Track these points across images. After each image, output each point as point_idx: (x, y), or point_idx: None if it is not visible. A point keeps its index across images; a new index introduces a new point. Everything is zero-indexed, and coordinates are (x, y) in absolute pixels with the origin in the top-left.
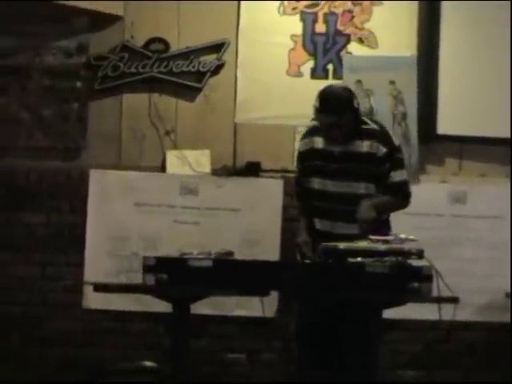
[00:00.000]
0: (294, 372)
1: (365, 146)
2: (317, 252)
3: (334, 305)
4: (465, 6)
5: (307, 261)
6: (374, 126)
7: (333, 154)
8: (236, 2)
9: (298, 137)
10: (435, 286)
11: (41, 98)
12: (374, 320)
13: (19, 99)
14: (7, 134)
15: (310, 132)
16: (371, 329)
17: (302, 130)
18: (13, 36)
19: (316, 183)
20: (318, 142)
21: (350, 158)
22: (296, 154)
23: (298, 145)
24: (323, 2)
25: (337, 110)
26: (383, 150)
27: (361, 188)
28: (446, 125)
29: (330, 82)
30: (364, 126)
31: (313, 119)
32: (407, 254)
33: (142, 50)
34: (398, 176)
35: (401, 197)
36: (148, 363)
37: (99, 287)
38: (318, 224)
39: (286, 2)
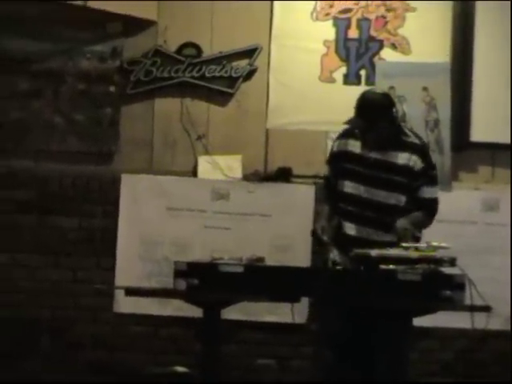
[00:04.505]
0: (323, 379)
1: (403, 157)
2: (348, 258)
3: (365, 312)
4: (500, 11)
5: (339, 267)
6: (415, 139)
7: (368, 161)
8: (269, 7)
9: (330, 143)
10: (468, 294)
11: (74, 103)
12: (405, 328)
13: (53, 103)
14: (41, 138)
15: (346, 134)
16: (402, 336)
17: (334, 135)
18: (47, 40)
19: (348, 187)
20: (354, 146)
21: (386, 167)
22: (329, 152)
23: (331, 144)
24: (356, 8)
25: (373, 115)
26: (421, 165)
27: (392, 199)
28: (479, 132)
29: (363, 88)
30: (405, 138)
31: (348, 121)
32: (439, 262)
33: (174, 55)
34: (429, 193)
35: (429, 213)
36: (179, 368)
37: (130, 291)
38: (348, 228)
39: (318, 8)
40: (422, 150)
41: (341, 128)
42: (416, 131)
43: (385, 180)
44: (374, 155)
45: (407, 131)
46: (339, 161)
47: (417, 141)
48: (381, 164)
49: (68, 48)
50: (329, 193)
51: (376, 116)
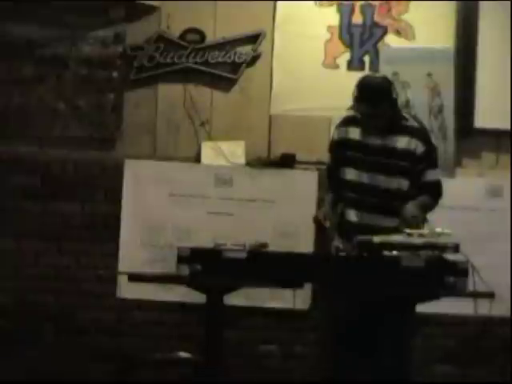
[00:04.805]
0: (327, 366)
1: (403, 141)
2: (351, 244)
3: (368, 298)
4: None
5: (342, 253)
6: (413, 122)
7: (368, 147)
8: None
9: (333, 129)
10: (471, 280)
11: (77, 88)
12: (409, 314)
13: (56, 89)
14: (44, 124)
15: (346, 121)
16: (405, 323)
17: (338, 121)
18: (50, 26)
19: (350, 174)
20: (354, 133)
21: (387, 153)
22: (330, 141)
23: (332, 132)
24: None
25: (375, 99)
26: (422, 148)
27: (394, 183)
28: (483, 118)
29: (367, 73)
30: (403, 122)
31: (350, 108)
32: (443, 248)
33: (177, 41)
34: (432, 175)
35: (433, 197)
36: (182, 353)
37: (133, 277)
38: (351, 215)
39: None
40: (422, 134)
41: (344, 114)
42: (418, 116)
43: (386, 165)
44: (374, 141)
45: (406, 115)
46: (340, 149)
47: (416, 124)
48: (381, 149)
49: (71, 34)
50: (331, 181)
51: (378, 99)
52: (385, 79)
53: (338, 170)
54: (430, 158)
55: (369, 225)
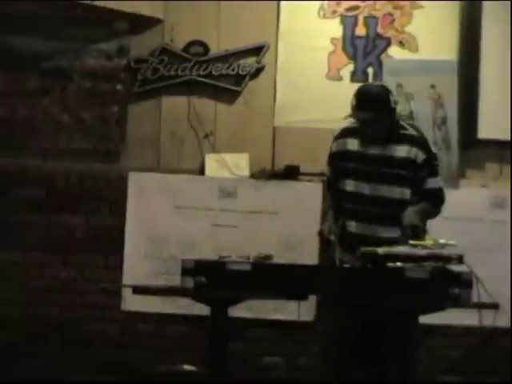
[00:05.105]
0: (331, 377)
1: (402, 150)
2: (355, 256)
3: (372, 310)
4: (506, 9)
5: (346, 265)
6: (412, 131)
7: (368, 157)
8: (276, 5)
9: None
10: (475, 291)
11: (81, 101)
12: (413, 325)
13: (60, 101)
14: (48, 136)
15: (344, 133)
16: (410, 334)
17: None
18: (54, 39)
19: (350, 185)
20: (353, 144)
21: (387, 162)
22: (328, 154)
23: (330, 145)
24: (363, 5)
25: (374, 106)
26: (422, 156)
27: (396, 193)
28: (486, 129)
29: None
30: (402, 131)
31: (348, 116)
32: (447, 259)
33: (181, 53)
34: (434, 183)
35: (436, 204)
36: (186, 366)
37: (138, 290)
38: (353, 227)
39: (326, 5)
40: (421, 142)
41: (343, 123)
42: (416, 125)
43: (387, 175)
44: (373, 151)
45: (404, 124)
46: (339, 161)
47: (414, 132)
48: (381, 159)
49: (75, 46)
50: (331, 194)
51: (377, 107)
52: (383, 87)
53: (338, 182)
54: (430, 166)
55: (370, 236)
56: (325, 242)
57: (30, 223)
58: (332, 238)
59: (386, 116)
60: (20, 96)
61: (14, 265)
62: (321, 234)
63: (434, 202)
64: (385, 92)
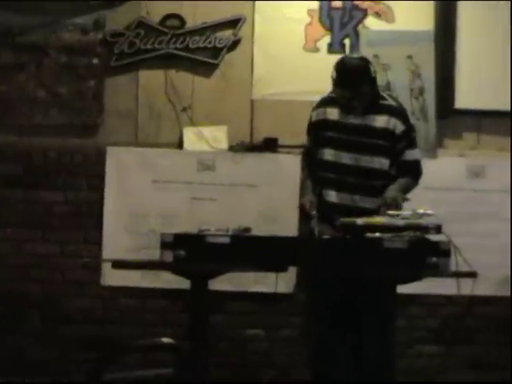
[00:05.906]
0: (311, 348)
1: (382, 121)
2: (331, 226)
3: (351, 280)
4: None
5: (325, 236)
6: (392, 102)
7: (348, 126)
8: None
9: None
10: (454, 260)
11: (57, 75)
12: (392, 295)
13: (36, 76)
14: (24, 112)
15: (324, 102)
16: (389, 304)
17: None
18: (29, 13)
19: (329, 155)
20: (333, 113)
21: (366, 132)
22: (307, 123)
23: (310, 114)
24: None
25: (355, 82)
26: (401, 127)
27: (375, 163)
28: (463, 99)
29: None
30: (382, 101)
31: (331, 93)
32: (425, 229)
33: (157, 27)
34: (412, 155)
35: (413, 176)
36: (166, 339)
37: (117, 264)
38: (332, 196)
39: None
40: (400, 113)
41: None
42: (395, 96)
43: (366, 144)
44: (353, 120)
45: (384, 95)
46: (318, 130)
47: (394, 103)
48: (361, 129)
49: (50, 21)
50: (310, 163)
51: (358, 81)
52: (363, 59)
53: (317, 151)
54: (408, 138)
55: (349, 206)
56: (306, 216)
57: (7, 200)
58: (313, 212)
59: (368, 88)
60: None
61: None
62: (302, 207)
63: (412, 173)
64: (364, 64)
